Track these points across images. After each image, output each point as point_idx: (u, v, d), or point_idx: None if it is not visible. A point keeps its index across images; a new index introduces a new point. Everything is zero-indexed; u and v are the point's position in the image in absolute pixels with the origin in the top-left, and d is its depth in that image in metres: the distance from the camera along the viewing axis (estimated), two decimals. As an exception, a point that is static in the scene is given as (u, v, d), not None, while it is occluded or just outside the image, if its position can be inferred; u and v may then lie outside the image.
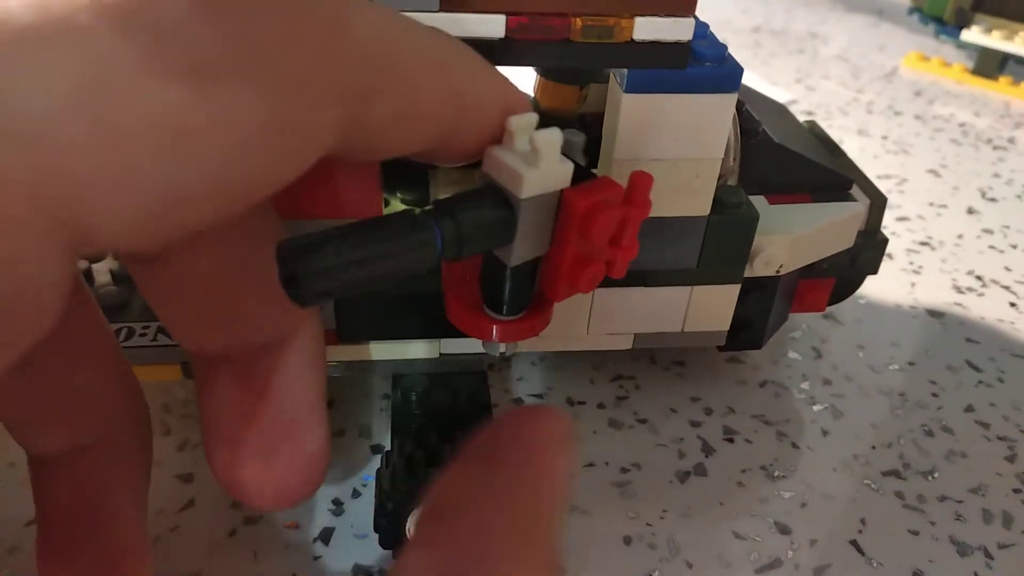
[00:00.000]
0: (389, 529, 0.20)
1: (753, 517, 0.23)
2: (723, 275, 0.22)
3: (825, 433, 0.26)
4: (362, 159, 0.14)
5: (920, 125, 0.50)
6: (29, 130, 0.09)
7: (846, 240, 0.25)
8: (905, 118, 0.51)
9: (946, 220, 0.39)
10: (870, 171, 0.42)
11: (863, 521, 0.23)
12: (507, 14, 0.16)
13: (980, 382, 0.29)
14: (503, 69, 0.15)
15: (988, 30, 0.55)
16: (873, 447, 0.26)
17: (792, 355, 0.29)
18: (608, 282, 0.16)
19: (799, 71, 0.57)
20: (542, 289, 0.17)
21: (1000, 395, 0.28)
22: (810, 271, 0.25)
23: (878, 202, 0.25)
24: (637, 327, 0.23)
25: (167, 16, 0.10)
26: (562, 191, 0.15)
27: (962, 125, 0.50)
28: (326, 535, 0.21)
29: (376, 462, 0.24)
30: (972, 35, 0.56)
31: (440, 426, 0.21)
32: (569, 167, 0.15)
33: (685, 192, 0.20)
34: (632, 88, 0.18)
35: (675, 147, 0.19)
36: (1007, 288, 0.34)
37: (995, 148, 0.48)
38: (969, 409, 0.27)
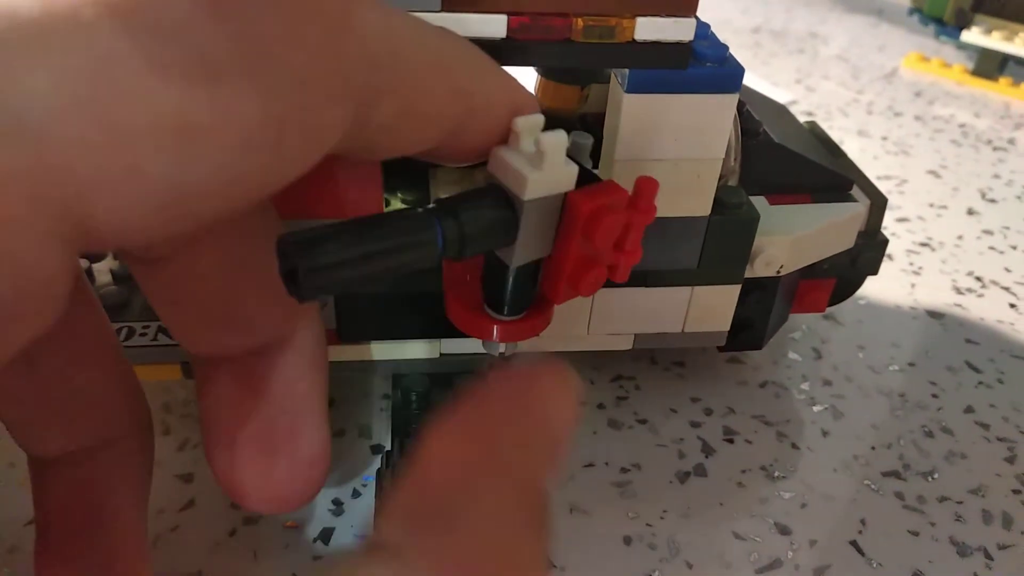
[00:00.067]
0: (389, 529, 0.20)
1: (753, 517, 0.23)
2: (724, 275, 0.22)
3: (825, 434, 0.26)
4: (366, 158, 0.14)
5: (920, 126, 0.50)
6: (32, 128, 0.09)
7: (846, 241, 0.25)
8: (905, 119, 0.51)
9: (946, 221, 0.39)
10: (870, 172, 0.42)
11: (863, 522, 0.23)
12: (509, 14, 0.16)
13: (980, 383, 0.29)
14: (507, 69, 0.15)
15: (988, 31, 0.55)
16: (873, 448, 0.26)
17: (792, 356, 0.29)
18: (609, 283, 0.16)
19: (799, 71, 0.57)
20: (543, 290, 0.17)
21: (1000, 396, 0.28)
22: (810, 272, 0.25)
23: (878, 203, 0.25)
24: (637, 327, 0.23)
25: (170, 14, 0.10)
26: (566, 194, 0.15)
27: (962, 126, 0.50)
28: (326, 535, 0.21)
29: (376, 462, 0.24)
30: (972, 36, 0.56)
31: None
32: (574, 170, 0.15)
33: (686, 192, 0.20)
34: (633, 88, 0.18)
35: (676, 147, 0.19)
36: (1007, 289, 0.34)
37: (995, 149, 0.48)
38: (969, 410, 0.27)
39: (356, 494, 0.23)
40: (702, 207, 0.21)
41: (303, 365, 0.17)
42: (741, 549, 0.22)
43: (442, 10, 0.16)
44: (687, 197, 0.20)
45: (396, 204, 0.20)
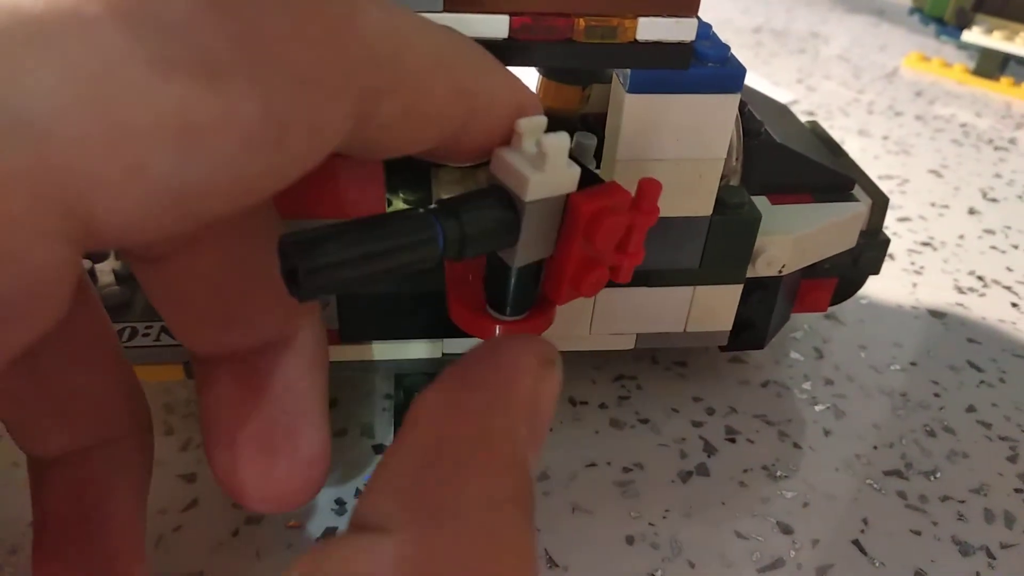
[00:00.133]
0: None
1: (755, 517, 0.23)
2: (725, 275, 0.22)
3: (827, 433, 0.26)
4: (369, 157, 0.14)
5: (921, 126, 0.50)
6: (36, 125, 0.09)
7: (848, 240, 0.25)
8: (906, 118, 0.51)
9: (947, 220, 0.39)
10: (871, 171, 0.42)
11: (865, 521, 0.23)
12: (510, 14, 0.16)
13: (982, 382, 0.29)
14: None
15: (989, 31, 0.55)
16: (875, 447, 0.26)
17: (794, 355, 0.29)
18: (610, 283, 0.16)
19: (800, 71, 0.57)
20: (545, 291, 0.17)
21: (1002, 395, 0.28)
22: (812, 271, 0.25)
23: (880, 202, 0.25)
24: (639, 327, 0.23)
25: (172, 12, 0.10)
26: (568, 195, 0.15)
27: (963, 126, 0.50)
28: (329, 535, 0.21)
29: (378, 462, 0.24)
30: (973, 36, 0.55)
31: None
32: (576, 171, 0.15)
33: (688, 192, 0.20)
34: (635, 88, 0.18)
35: (678, 147, 0.19)
36: (1008, 288, 0.34)
37: (996, 149, 0.48)
38: (971, 409, 0.27)
39: (358, 493, 0.23)
40: (704, 207, 0.21)
41: (304, 365, 0.17)
42: (743, 548, 0.22)
43: (444, 10, 0.16)
44: (689, 197, 0.20)
45: (398, 204, 0.20)
